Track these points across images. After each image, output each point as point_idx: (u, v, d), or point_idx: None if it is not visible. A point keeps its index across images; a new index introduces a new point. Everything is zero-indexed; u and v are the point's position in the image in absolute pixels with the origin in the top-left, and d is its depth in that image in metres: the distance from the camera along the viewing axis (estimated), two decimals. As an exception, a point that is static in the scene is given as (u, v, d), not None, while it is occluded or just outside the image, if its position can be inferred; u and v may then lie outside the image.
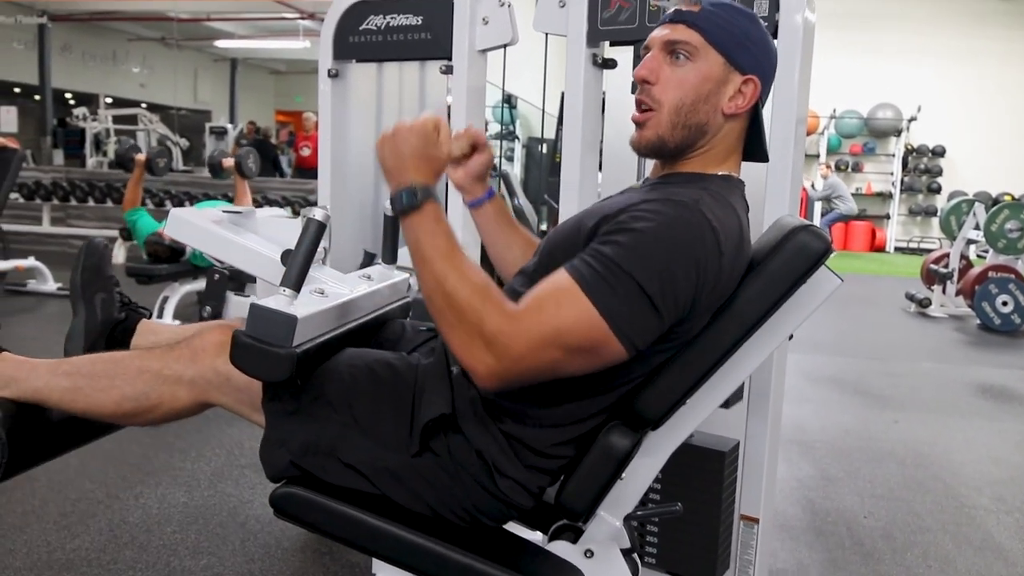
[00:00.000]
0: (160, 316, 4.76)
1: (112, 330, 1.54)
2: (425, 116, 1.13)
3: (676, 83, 1.14)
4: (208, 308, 3.99)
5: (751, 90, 1.15)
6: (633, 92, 1.72)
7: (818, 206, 11.22)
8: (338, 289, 1.32)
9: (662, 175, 1.21)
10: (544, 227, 6.21)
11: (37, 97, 13.03)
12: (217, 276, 4.00)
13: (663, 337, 1.06)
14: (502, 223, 1.43)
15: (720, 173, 1.17)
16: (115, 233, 7.72)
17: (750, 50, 1.15)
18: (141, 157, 5.04)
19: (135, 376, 1.25)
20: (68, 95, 15.22)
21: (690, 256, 1.01)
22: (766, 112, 1.25)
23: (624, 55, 1.84)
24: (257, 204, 7.00)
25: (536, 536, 1.26)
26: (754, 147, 1.22)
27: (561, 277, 1.02)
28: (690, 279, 1.01)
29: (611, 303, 0.99)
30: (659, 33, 1.17)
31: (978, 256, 7.69)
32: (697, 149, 1.17)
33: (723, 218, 1.06)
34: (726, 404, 1.59)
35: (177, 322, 4.74)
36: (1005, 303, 6.18)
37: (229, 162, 5.15)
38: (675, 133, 1.15)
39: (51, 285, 5.96)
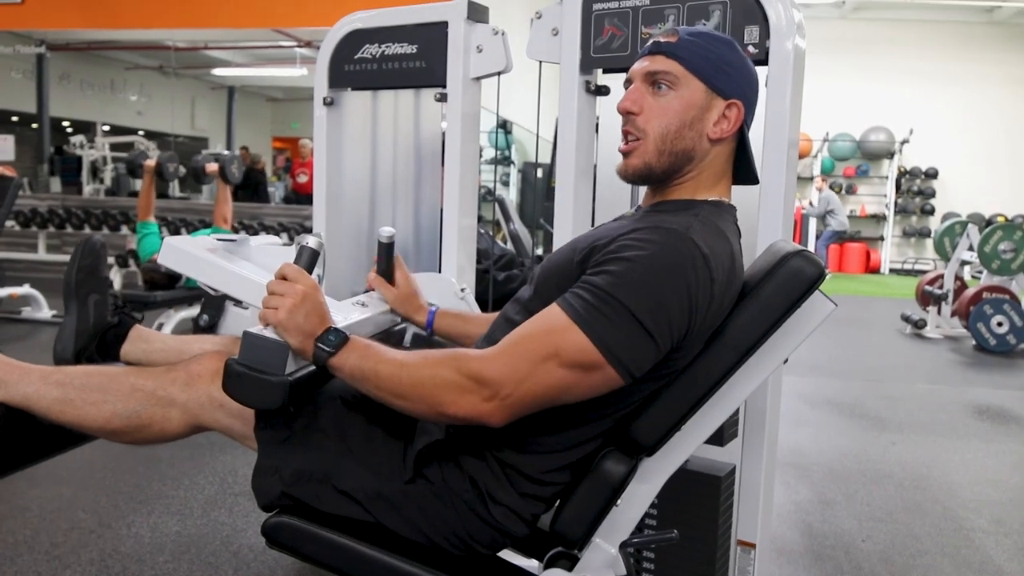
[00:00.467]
0: (155, 343, 4.75)
1: (104, 334, 1.54)
2: (285, 285, 1.13)
3: (659, 112, 1.16)
4: (205, 317, 3.98)
5: (735, 114, 1.17)
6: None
7: (812, 227, 11.29)
8: (332, 316, 1.32)
9: (653, 203, 1.22)
10: (540, 251, 6.23)
11: (35, 125, 13.08)
12: None
13: (658, 365, 1.06)
14: (460, 326, 1.50)
15: (710, 199, 1.18)
16: (112, 260, 7.74)
17: (730, 75, 1.16)
18: (151, 163, 5.02)
19: (128, 394, 1.25)
20: (66, 123, 15.29)
21: (681, 283, 1.01)
22: (758, 136, 1.26)
23: (617, 82, 1.85)
24: (252, 231, 7.01)
25: (531, 564, 1.25)
26: (743, 170, 1.23)
27: (552, 311, 1.04)
28: (683, 306, 1.01)
29: (604, 332, 1.00)
30: (639, 65, 1.19)
31: (972, 277, 7.73)
32: (685, 175, 1.18)
33: (713, 245, 1.07)
34: (720, 440, 1.59)
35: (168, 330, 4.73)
36: (1000, 324, 6.20)
37: (213, 167, 5.12)
38: (661, 160, 1.16)
39: (46, 313, 5.95)
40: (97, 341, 1.54)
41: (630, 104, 1.17)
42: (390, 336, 1.48)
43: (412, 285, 1.52)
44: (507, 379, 1.00)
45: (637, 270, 1.02)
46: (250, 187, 9.77)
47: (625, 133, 1.19)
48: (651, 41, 1.19)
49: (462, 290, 1.88)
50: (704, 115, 1.16)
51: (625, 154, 1.19)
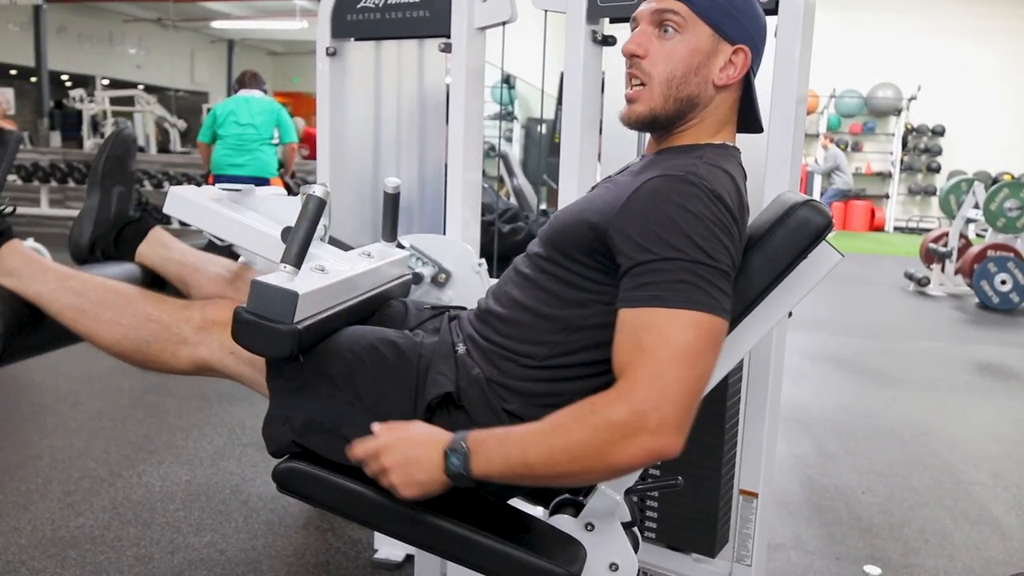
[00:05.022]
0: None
1: (123, 227, 1.53)
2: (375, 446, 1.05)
3: (666, 56, 1.13)
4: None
5: (741, 60, 1.14)
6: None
7: (817, 184, 11.23)
8: (339, 266, 1.32)
9: (657, 150, 1.20)
10: (544, 207, 6.21)
11: (33, 79, 12.96)
12: None
13: None
14: None
15: (715, 143, 1.17)
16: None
17: (738, 19, 1.13)
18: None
19: (142, 322, 1.26)
20: (64, 77, 15.13)
21: (701, 215, 1.00)
22: (766, 89, 1.25)
23: (624, 32, 1.83)
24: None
25: (537, 510, 1.27)
26: (748, 118, 1.21)
27: (637, 316, 0.98)
28: (717, 229, 1.00)
29: (692, 296, 0.97)
30: (647, 6, 1.16)
31: (977, 235, 7.71)
32: (689, 122, 1.16)
33: (721, 182, 1.06)
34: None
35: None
36: (1004, 282, 6.19)
37: None
38: (667, 106, 1.14)
39: (51, 267, 5.96)
40: (115, 234, 1.52)
41: (635, 47, 1.14)
42: (392, 291, 1.48)
43: None
44: (655, 398, 0.93)
45: (673, 227, 0.99)
46: None
47: (629, 77, 1.16)
48: None
49: (480, 264, 1.76)
50: (710, 61, 1.13)
51: (630, 100, 1.17)
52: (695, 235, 0.99)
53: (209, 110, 5.28)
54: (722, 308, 0.98)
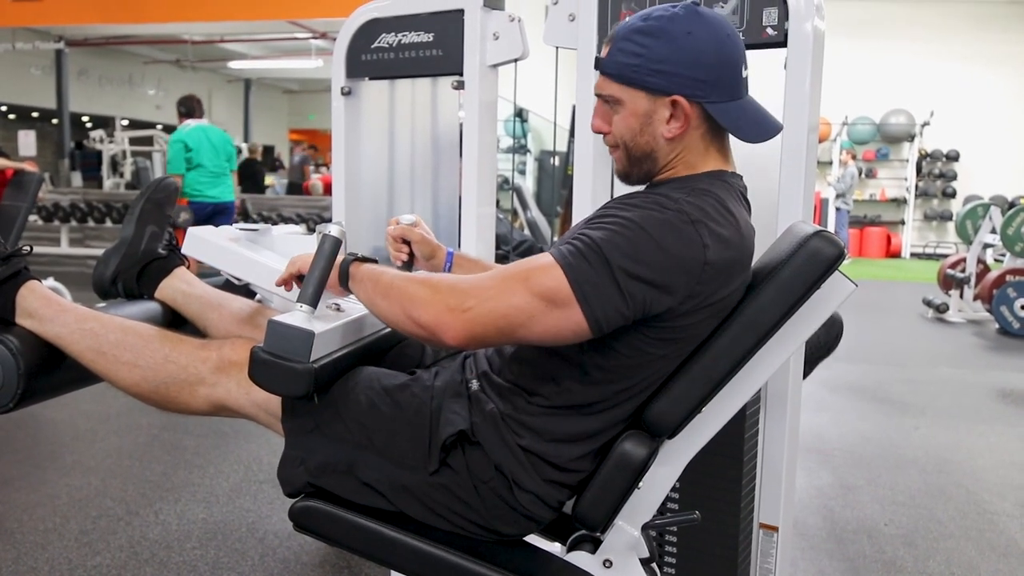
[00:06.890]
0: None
1: (149, 263, 1.59)
2: None
3: (616, 126, 1.18)
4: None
5: (682, 109, 1.13)
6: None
7: (832, 214, 11.23)
8: (354, 304, 1.33)
9: (652, 183, 1.22)
10: (557, 239, 6.22)
11: (55, 121, 13.21)
12: None
13: (665, 333, 1.07)
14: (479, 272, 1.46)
15: (708, 171, 1.17)
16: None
17: (663, 72, 1.11)
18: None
19: (160, 364, 1.28)
20: (85, 118, 15.43)
21: (664, 250, 1.02)
22: (776, 115, 1.23)
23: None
24: (272, 222, 7.06)
25: (555, 547, 1.26)
26: (742, 130, 1.16)
27: (540, 255, 1.08)
28: (663, 273, 1.02)
29: (581, 274, 1.02)
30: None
31: (995, 260, 7.65)
32: (665, 167, 1.18)
33: (710, 211, 1.07)
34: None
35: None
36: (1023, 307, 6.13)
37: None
38: (631, 166, 1.20)
39: (70, 305, 6.02)
40: (139, 269, 1.58)
41: (599, 125, 1.21)
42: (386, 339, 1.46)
43: (423, 225, 1.49)
44: (473, 294, 1.04)
45: (623, 231, 1.04)
46: (251, 179, 10.04)
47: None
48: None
49: None
50: (652, 118, 1.14)
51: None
52: (635, 257, 1.02)
53: (170, 140, 5.46)
54: (591, 307, 1.02)
